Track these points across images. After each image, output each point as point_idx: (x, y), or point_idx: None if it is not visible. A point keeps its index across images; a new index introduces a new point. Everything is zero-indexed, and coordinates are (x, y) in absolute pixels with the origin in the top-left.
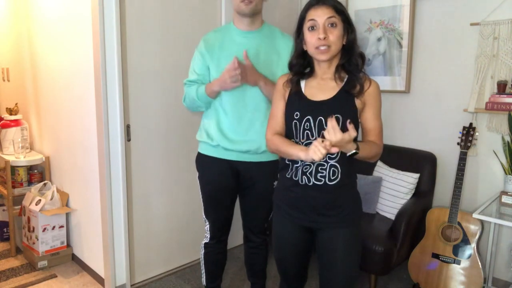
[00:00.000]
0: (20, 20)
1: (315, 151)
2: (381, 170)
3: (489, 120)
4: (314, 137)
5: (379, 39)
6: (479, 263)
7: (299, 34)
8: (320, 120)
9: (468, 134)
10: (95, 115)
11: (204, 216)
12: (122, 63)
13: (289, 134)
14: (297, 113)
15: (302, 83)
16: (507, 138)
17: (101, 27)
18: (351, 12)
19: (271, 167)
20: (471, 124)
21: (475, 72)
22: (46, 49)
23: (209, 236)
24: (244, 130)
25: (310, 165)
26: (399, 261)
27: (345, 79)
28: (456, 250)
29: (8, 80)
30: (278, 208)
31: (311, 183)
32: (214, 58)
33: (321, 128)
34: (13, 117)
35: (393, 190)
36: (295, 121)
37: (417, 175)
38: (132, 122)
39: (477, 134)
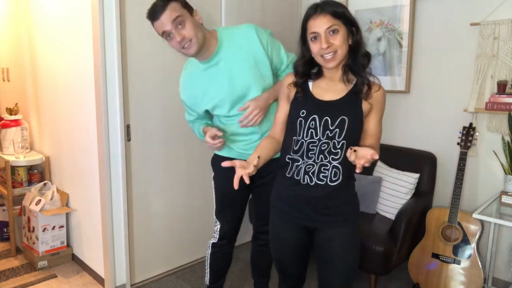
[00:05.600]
0: (20, 20)
1: (240, 170)
2: (381, 170)
3: (489, 120)
4: (318, 137)
5: (379, 39)
6: (479, 263)
7: (304, 42)
8: (326, 120)
9: (468, 134)
10: (95, 115)
11: (215, 217)
12: (122, 63)
13: (292, 131)
14: (304, 111)
15: (310, 83)
16: (507, 138)
17: (101, 27)
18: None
19: None
20: (471, 124)
21: (475, 72)
22: (46, 49)
23: (217, 237)
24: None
25: (313, 165)
26: (399, 261)
27: (354, 82)
28: (456, 250)
29: (8, 80)
30: (275, 208)
31: (313, 183)
32: (197, 101)
33: (326, 128)
34: (13, 117)
35: (393, 190)
36: (300, 118)
37: (417, 175)
38: (132, 122)
39: (477, 134)
